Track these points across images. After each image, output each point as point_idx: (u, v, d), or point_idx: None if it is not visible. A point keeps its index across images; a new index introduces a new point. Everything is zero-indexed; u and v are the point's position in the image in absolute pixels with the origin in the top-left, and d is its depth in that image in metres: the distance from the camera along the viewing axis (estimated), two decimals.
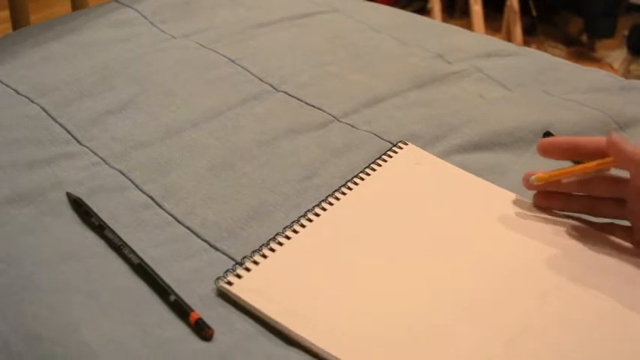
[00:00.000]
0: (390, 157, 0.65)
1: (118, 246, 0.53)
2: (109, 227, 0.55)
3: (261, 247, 0.53)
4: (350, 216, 0.57)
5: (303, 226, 0.55)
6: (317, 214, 0.57)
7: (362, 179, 0.61)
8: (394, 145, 0.66)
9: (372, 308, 0.49)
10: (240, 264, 0.52)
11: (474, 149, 0.69)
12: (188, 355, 0.46)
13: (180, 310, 0.48)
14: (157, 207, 0.58)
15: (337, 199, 0.59)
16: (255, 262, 0.52)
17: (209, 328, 0.47)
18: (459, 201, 0.60)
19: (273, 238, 0.54)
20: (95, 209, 0.56)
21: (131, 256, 0.52)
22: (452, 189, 0.62)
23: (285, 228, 0.55)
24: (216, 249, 0.54)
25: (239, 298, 0.49)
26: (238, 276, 0.51)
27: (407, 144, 0.67)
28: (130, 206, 0.58)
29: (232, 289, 0.49)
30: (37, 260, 0.51)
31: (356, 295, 0.50)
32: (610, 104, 0.77)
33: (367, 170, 0.62)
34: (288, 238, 0.54)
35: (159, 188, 0.60)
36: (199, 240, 0.55)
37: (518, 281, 0.52)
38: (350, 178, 0.61)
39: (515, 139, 0.71)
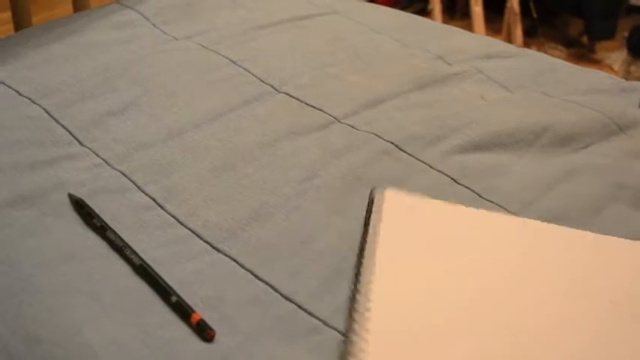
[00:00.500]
0: (380, 212, 0.57)
1: (119, 247, 0.53)
2: (110, 228, 0.55)
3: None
4: (398, 293, 0.51)
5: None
6: (368, 309, 0.49)
7: (375, 250, 0.54)
8: (371, 202, 0.59)
9: None
10: None
11: (474, 150, 0.69)
12: (190, 356, 0.46)
13: (182, 311, 0.48)
14: (159, 208, 0.58)
15: (371, 282, 0.51)
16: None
17: (210, 329, 0.47)
18: (464, 239, 0.56)
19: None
20: (97, 211, 0.56)
21: (132, 257, 0.52)
22: (455, 228, 0.57)
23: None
24: (218, 250, 0.55)
25: None
26: None
27: (382, 193, 0.59)
28: (132, 208, 0.58)
29: None
30: (38, 262, 0.51)
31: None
32: (610, 106, 0.77)
33: (370, 240, 0.55)
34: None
35: (161, 190, 0.60)
36: (201, 241, 0.55)
37: (516, 291, 0.52)
38: (358, 261, 0.54)
39: (516, 140, 0.71)
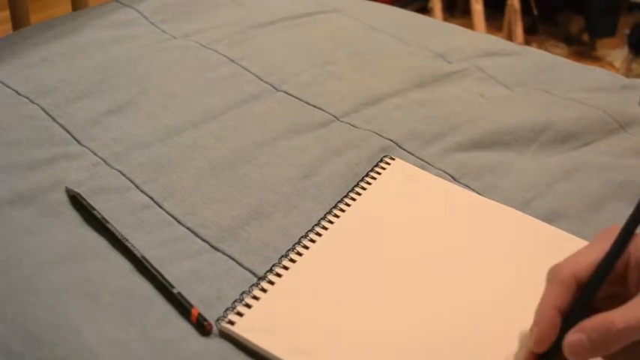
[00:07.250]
0: (379, 173, 0.63)
1: (119, 240, 0.53)
2: (108, 222, 0.55)
3: (259, 280, 0.51)
4: (347, 240, 0.55)
5: (299, 254, 0.53)
6: (312, 240, 0.55)
7: (353, 199, 0.59)
8: (380, 161, 0.65)
9: (383, 341, 0.47)
10: (240, 300, 0.49)
11: (474, 148, 0.69)
12: (188, 355, 0.46)
13: (182, 305, 0.48)
14: (158, 207, 0.58)
15: (331, 222, 0.57)
16: (255, 298, 0.49)
17: (208, 321, 0.47)
18: (452, 217, 0.59)
19: (271, 270, 0.52)
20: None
21: (133, 250, 0.52)
22: (443, 205, 0.60)
23: (281, 257, 0.53)
24: (217, 249, 0.54)
25: (244, 338, 0.46)
26: (239, 314, 0.48)
27: (394, 159, 0.65)
28: (131, 207, 0.58)
29: (235, 329, 0.47)
30: (37, 261, 0.51)
31: (363, 325, 0.48)
32: (611, 103, 0.77)
33: (357, 190, 0.60)
34: (285, 268, 0.52)
35: (159, 188, 0.60)
36: (199, 240, 0.55)
37: (516, 292, 0.52)
38: (340, 199, 0.59)
39: (516, 137, 0.71)
